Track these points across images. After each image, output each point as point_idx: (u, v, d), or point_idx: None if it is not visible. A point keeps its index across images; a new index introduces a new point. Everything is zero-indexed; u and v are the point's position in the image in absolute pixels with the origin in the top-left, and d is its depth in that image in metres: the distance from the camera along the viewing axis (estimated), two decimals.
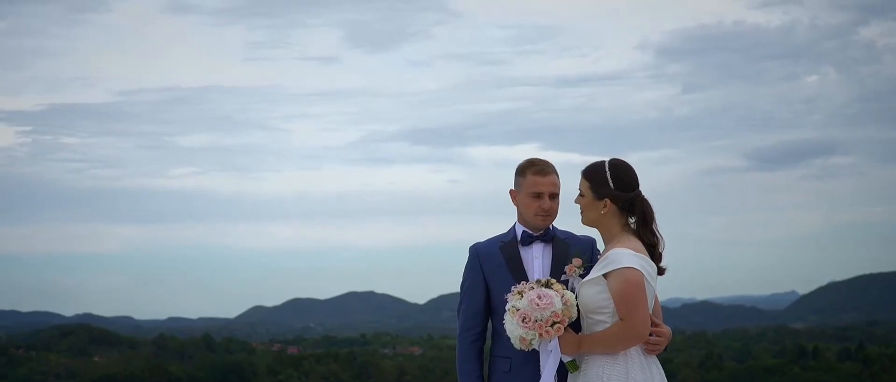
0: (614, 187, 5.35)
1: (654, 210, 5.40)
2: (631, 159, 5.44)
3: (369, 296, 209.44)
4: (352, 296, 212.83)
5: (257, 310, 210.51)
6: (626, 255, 5.24)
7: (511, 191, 5.72)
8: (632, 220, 5.38)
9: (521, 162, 5.72)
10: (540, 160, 5.68)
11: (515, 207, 5.72)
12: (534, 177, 5.61)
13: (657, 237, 5.38)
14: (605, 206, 5.37)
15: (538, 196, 5.59)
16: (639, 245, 5.32)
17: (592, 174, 5.41)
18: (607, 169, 5.38)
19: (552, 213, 5.63)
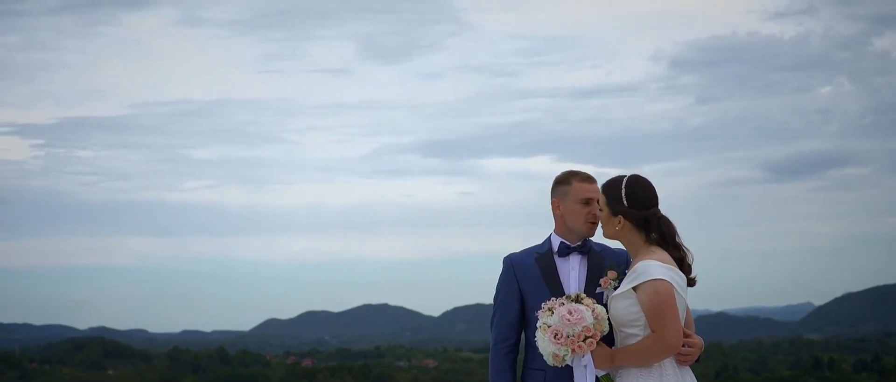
0: (628, 205, 5.34)
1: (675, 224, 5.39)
2: (644, 170, 5.42)
3: (383, 309, 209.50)
4: (366, 309, 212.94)
5: (271, 323, 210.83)
6: (654, 267, 5.22)
7: (553, 202, 5.66)
8: (653, 235, 5.36)
9: (559, 174, 5.70)
10: (580, 170, 5.68)
11: (555, 218, 5.70)
12: (581, 184, 5.60)
13: (683, 251, 5.36)
14: (619, 223, 5.36)
15: (587, 202, 5.57)
16: (666, 256, 5.29)
17: (608, 190, 5.42)
18: (623, 186, 5.37)
19: (599, 220, 5.62)
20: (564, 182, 5.65)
